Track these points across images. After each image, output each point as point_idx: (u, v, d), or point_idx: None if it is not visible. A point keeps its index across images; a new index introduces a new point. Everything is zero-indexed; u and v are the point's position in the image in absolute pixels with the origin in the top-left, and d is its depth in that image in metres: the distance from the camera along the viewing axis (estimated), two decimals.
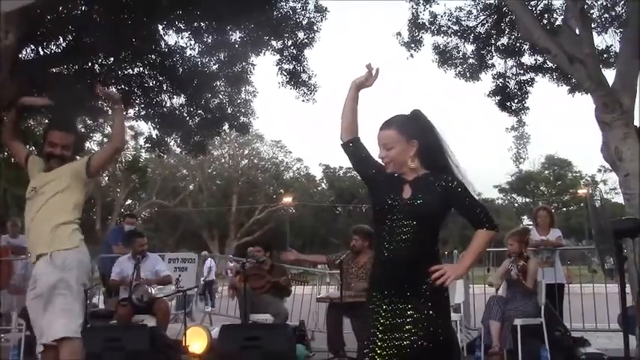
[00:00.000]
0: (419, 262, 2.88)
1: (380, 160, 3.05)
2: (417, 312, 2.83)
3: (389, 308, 2.87)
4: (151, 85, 12.85)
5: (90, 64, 12.12)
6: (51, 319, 3.72)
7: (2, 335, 8.79)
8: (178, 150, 16.16)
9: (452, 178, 2.98)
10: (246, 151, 52.81)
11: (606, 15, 11.77)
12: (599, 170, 54.34)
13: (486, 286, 8.28)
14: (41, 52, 11.47)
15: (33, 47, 11.32)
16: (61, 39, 11.52)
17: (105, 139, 39.63)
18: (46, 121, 13.95)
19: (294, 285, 7.82)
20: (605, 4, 11.78)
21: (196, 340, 6.63)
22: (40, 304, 3.78)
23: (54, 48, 11.57)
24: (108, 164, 4.19)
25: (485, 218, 3.07)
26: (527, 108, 14.13)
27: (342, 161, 61.77)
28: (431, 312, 2.84)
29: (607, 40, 11.99)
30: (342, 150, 3.15)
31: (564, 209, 56.86)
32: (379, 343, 2.82)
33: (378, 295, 2.92)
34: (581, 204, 52.17)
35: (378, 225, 2.99)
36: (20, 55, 10.23)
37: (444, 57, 13.45)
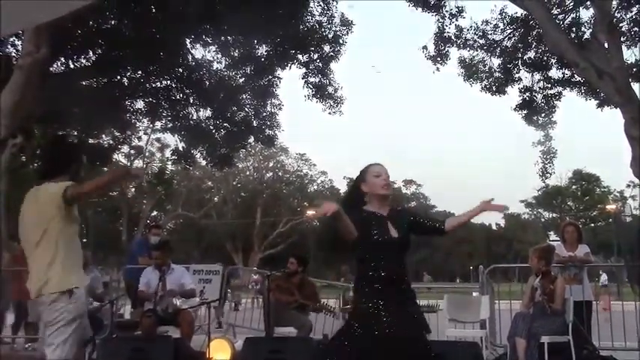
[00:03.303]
0: None
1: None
2: None
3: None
4: (178, 98, 13.01)
5: (118, 78, 12.32)
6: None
7: (29, 344, 8.91)
8: (204, 162, 16.31)
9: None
10: (271, 164, 53.02)
11: (636, 28, 11.64)
12: (628, 185, 53.50)
13: (512, 301, 8.18)
14: (71, 66, 11.68)
15: (63, 60, 11.53)
16: (91, 53, 11.74)
17: (132, 151, 40.29)
18: (75, 133, 14.18)
19: (320, 313, 7.75)
20: (634, 17, 11.65)
21: (220, 352, 6.62)
22: None
23: (83, 61, 11.79)
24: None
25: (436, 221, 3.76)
26: (555, 122, 14.03)
27: None
28: None
29: (637, 53, 11.86)
30: None
31: (592, 225, 55.98)
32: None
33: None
34: (610, 220, 51.37)
35: None
36: (51, 68, 10.42)
37: (470, 71, 13.42)
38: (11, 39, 10.53)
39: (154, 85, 12.75)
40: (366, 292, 3.43)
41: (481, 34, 12.94)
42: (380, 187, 3.59)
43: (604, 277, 21.36)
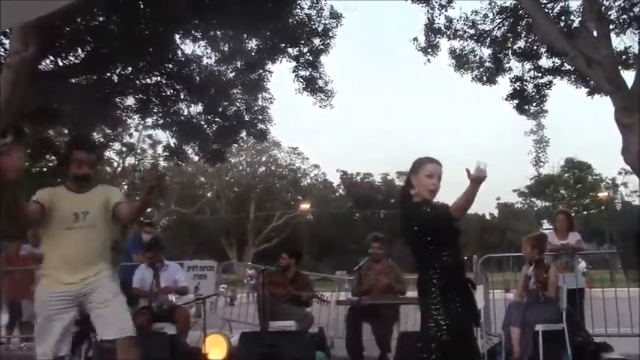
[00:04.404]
0: None
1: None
2: None
3: None
4: (169, 94, 12.96)
5: (108, 75, 12.25)
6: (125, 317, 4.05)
7: (24, 344, 8.88)
8: (196, 158, 16.27)
9: None
10: (264, 158, 52.92)
11: (624, 16, 11.66)
12: (620, 173, 53.75)
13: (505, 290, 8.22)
14: (60, 63, 11.61)
15: (52, 58, 11.46)
16: (80, 50, 11.66)
17: (124, 148, 40.12)
18: (66, 131, 14.09)
19: (315, 302, 7.75)
20: (623, 5, 11.67)
21: (216, 348, 6.62)
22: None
23: (72, 59, 11.71)
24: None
25: None
26: (546, 111, 14.06)
27: (359, 167, 61.77)
28: None
29: (626, 41, 11.89)
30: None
31: (585, 212, 56.23)
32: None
33: None
34: (602, 207, 51.63)
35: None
36: (40, 66, 10.35)
37: (461, 61, 13.43)
38: None
39: (144, 82, 12.68)
40: (443, 285, 3.42)
41: (471, 24, 12.94)
42: (427, 189, 3.57)
43: (582, 265, 21.55)
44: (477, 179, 3.29)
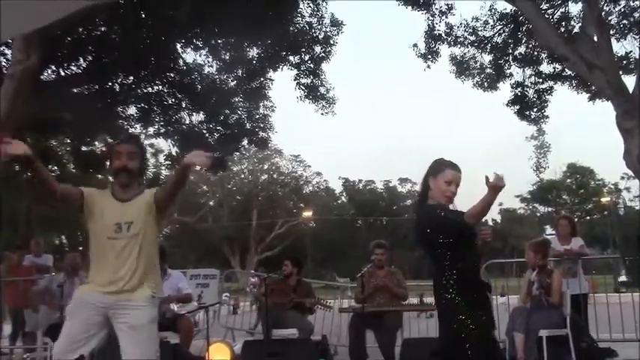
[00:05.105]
0: None
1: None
2: None
3: None
4: (170, 102, 12.98)
5: (110, 84, 12.28)
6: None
7: (28, 354, 8.87)
8: (198, 167, 16.26)
9: None
10: (266, 166, 52.98)
11: (625, 21, 11.68)
12: (623, 177, 53.71)
13: (509, 296, 8.19)
14: (62, 73, 11.64)
15: (54, 68, 11.50)
16: (81, 60, 11.70)
17: None
18: (68, 140, 14.10)
19: (319, 309, 7.73)
20: (623, 10, 11.69)
21: (219, 356, 6.61)
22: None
23: (74, 69, 11.75)
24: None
25: None
26: (547, 116, 14.06)
27: (361, 174, 61.79)
28: None
29: (626, 46, 11.90)
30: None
31: (588, 218, 56.12)
32: None
33: None
34: (605, 212, 51.51)
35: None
36: (41, 76, 10.39)
37: (461, 67, 13.46)
38: (0, 48, 10.50)
39: (145, 91, 12.70)
40: (461, 287, 3.42)
41: (471, 30, 12.97)
42: (444, 195, 3.56)
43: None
44: (495, 187, 3.25)
